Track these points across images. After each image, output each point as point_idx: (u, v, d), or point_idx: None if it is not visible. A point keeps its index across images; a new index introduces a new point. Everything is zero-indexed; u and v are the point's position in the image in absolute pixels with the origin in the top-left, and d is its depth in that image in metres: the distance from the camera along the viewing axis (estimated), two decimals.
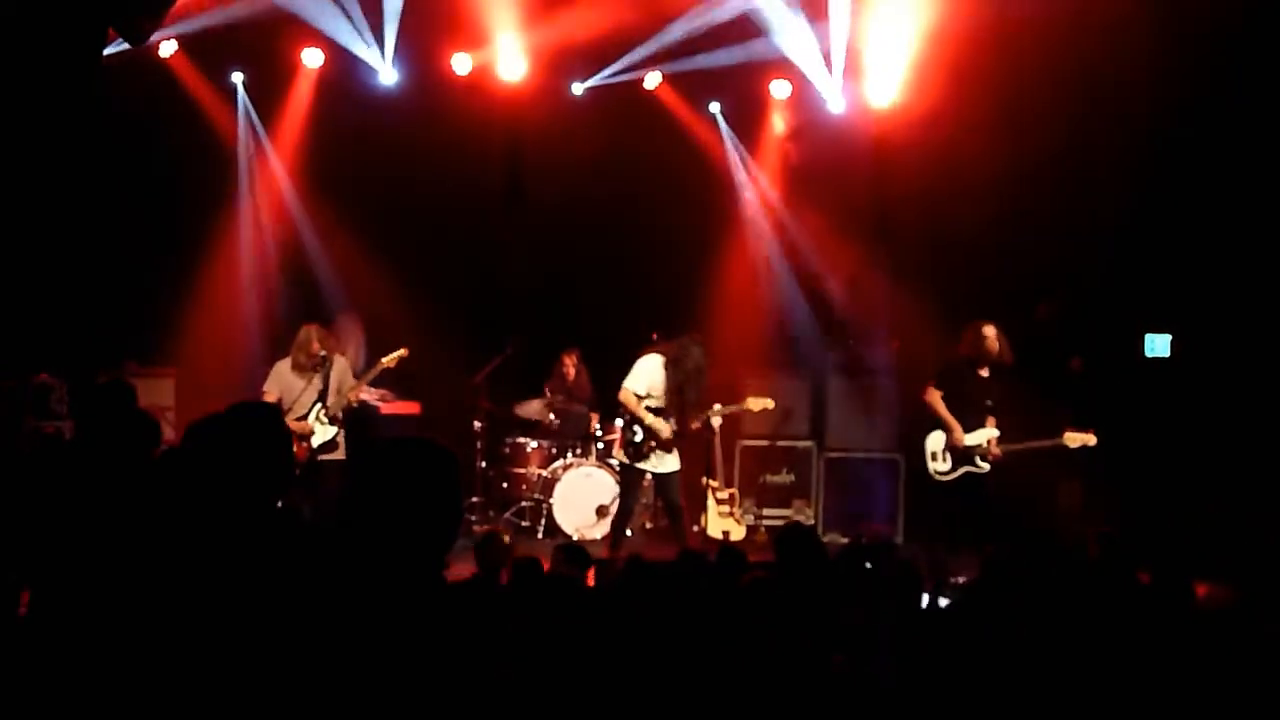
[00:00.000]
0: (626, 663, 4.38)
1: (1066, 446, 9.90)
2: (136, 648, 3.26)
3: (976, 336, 10.08)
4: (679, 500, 10.16)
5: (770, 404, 10.54)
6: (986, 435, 10.02)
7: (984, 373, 10.09)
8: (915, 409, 10.57)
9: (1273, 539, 9.06)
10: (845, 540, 11.48)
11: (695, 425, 10.17)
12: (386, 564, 3.26)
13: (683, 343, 9.96)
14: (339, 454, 10.02)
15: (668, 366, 9.92)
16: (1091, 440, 9.85)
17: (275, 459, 3.68)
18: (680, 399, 9.92)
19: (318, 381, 9.98)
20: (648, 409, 9.89)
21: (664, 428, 9.90)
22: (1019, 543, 7.33)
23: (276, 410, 4.58)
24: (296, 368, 10.05)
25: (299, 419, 9.92)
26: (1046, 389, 10.77)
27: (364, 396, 10.69)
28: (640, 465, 10.00)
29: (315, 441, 9.95)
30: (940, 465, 10.15)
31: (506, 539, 7.09)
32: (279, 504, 3.80)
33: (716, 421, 10.83)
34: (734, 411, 10.53)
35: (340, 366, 10.17)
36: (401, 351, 10.29)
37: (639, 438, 9.97)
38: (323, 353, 9.99)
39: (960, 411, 10.07)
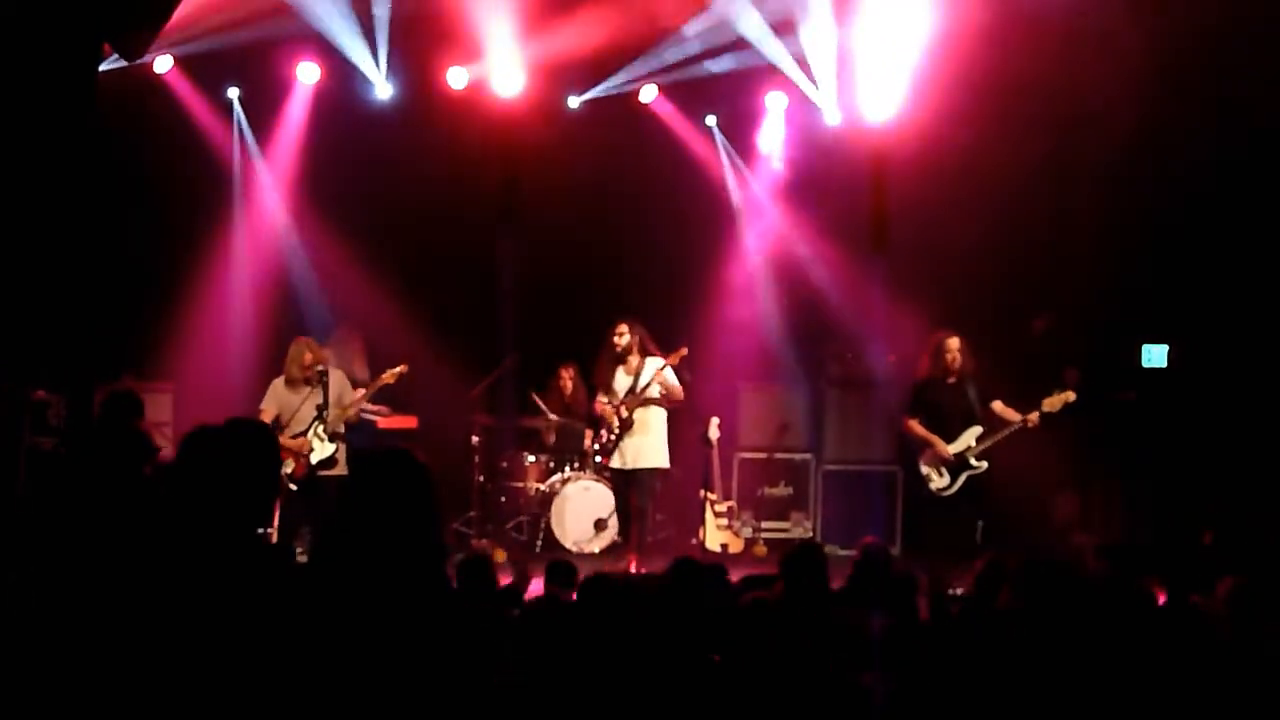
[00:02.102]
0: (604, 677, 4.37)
1: (1051, 412, 9.90)
2: (125, 660, 3.25)
3: (939, 351, 10.13)
4: (646, 504, 10.43)
5: (683, 351, 10.45)
6: (974, 434, 10.03)
7: (951, 381, 10.13)
8: (905, 438, 10.60)
9: (1272, 547, 9.04)
10: (844, 552, 11.50)
11: (639, 398, 10.38)
12: (375, 569, 3.27)
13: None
14: (339, 469, 9.99)
15: (598, 361, 10.66)
16: (1071, 397, 9.86)
17: (262, 478, 3.68)
18: (608, 377, 10.53)
19: (316, 396, 9.95)
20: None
21: (605, 409, 10.45)
22: (1007, 552, 7.31)
23: (265, 428, 4.55)
24: (290, 383, 10.04)
25: (297, 435, 9.90)
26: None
27: (365, 411, 10.69)
28: (614, 464, 10.32)
29: (314, 458, 9.93)
30: (940, 482, 10.16)
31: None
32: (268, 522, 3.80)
33: (655, 390, 10.49)
34: (665, 374, 10.42)
35: (337, 380, 10.15)
36: (401, 368, 10.30)
37: (604, 437, 10.27)
38: (318, 366, 9.98)
39: (943, 425, 10.09)
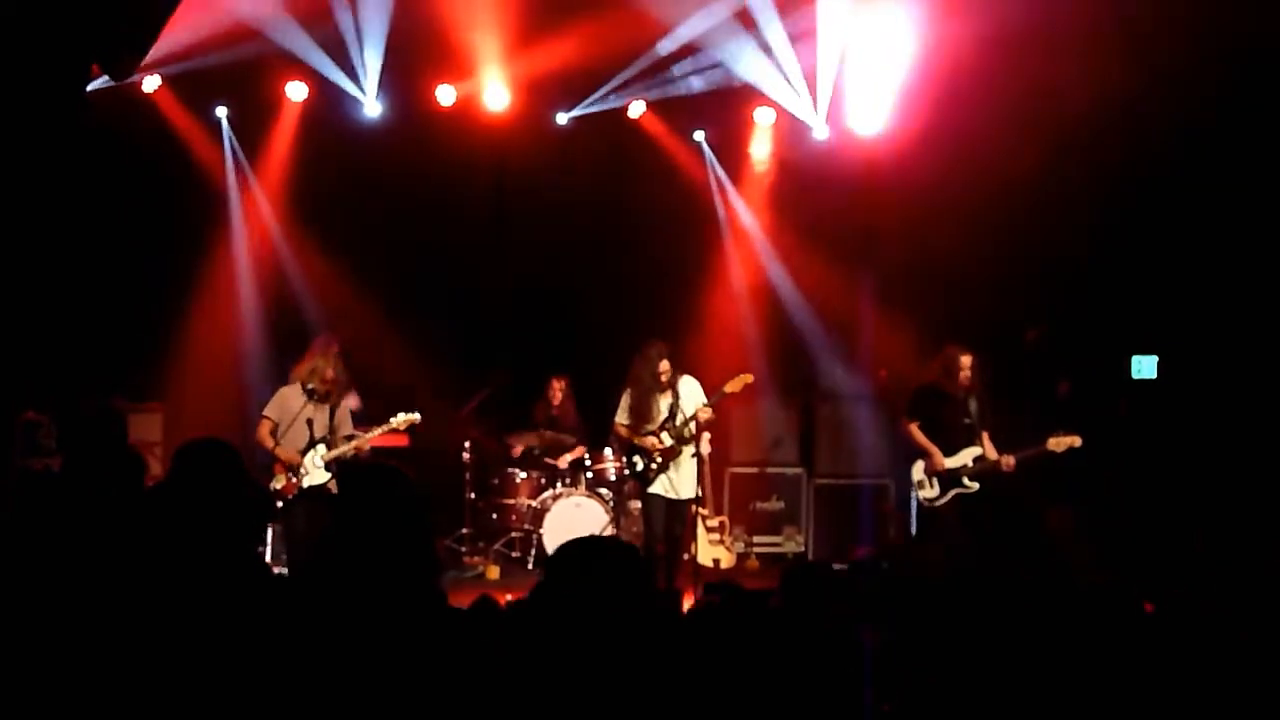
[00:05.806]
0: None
1: (1053, 452, 9.90)
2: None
3: (951, 364, 10.08)
4: (680, 532, 10.05)
5: (749, 378, 10.19)
6: (971, 454, 10.03)
7: (957, 394, 10.11)
8: (899, 441, 10.60)
9: (1263, 555, 9.05)
10: (836, 566, 11.49)
11: (682, 428, 10.05)
12: (367, 585, 3.27)
13: (638, 357, 10.02)
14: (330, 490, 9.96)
15: (631, 384, 10.03)
16: (1076, 442, 9.85)
17: (241, 498, 3.70)
18: (647, 405, 9.97)
19: (317, 413, 9.87)
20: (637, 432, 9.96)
21: (649, 441, 9.92)
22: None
23: (233, 452, 4.44)
24: (305, 392, 9.87)
25: (291, 451, 9.87)
26: (1035, 413, 10.76)
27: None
28: (651, 490, 9.98)
29: (306, 483, 9.86)
30: (929, 492, 10.16)
31: None
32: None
33: (706, 415, 10.02)
34: (717, 401, 10.27)
35: (344, 409, 10.10)
36: (414, 417, 10.19)
37: (640, 465, 9.98)
38: (331, 383, 9.92)
39: (942, 436, 10.07)
